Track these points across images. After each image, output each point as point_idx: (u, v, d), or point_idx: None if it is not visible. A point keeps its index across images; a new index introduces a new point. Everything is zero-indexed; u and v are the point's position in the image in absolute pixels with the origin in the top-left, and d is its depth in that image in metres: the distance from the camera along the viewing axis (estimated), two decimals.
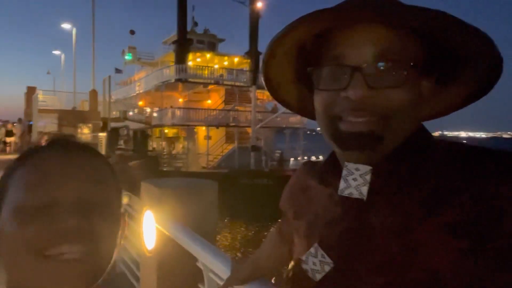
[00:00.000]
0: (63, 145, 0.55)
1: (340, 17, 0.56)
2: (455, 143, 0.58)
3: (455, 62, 0.58)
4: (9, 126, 17.46)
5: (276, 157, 21.47)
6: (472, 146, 0.56)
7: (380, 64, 0.54)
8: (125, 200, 3.01)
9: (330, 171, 0.65)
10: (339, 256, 0.58)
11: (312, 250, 0.61)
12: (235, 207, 14.55)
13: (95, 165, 0.55)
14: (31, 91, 22.19)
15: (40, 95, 22.54)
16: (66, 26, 34.16)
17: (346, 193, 0.58)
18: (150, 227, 2.32)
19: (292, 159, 22.15)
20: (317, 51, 0.61)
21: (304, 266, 0.62)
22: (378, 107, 0.54)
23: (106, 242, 0.52)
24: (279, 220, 0.90)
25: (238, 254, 11.07)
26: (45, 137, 0.56)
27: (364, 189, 0.57)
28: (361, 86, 0.54)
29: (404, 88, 0.54)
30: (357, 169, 0.58)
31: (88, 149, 0.57)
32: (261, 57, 0.65)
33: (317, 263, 0.60)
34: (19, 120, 18.48)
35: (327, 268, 0.59)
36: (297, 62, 0.65)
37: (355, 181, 0.58)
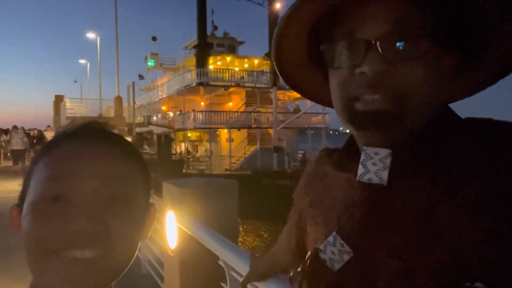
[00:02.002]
0: (87, 134, 0.52)
1: None
2: (487, 121, 0.53)
3: (480, 36, 0.55)
4: (35, 132, 18.15)
5: (298, 157, 21.34)
6: (503, 123, 0.52)
7: (397, 37, 0.51)
8: None
9: (348, 156, 0.63)
10: (358, 244, 0.56)
11: (330, 239, 0.59)
12: (258, 209, 14.54)
13: (119, 157, 0.51)
14: (59, 99, 22.99)
15: (68, 103, 23.32)
16: (90, 35, 35.27)
17: (365, 178, 0.55)
18: (172, 227, 2.35)
19: None
20: (330, 30, 0.57)
21: (322, 256, 0.60)
22: (395, 83, 0.51)
23: (124, 241, 0.48)
24: (289, 214, 0.87)
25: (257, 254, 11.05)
26: (74, 123, 0.54)
27: (384, 174, 0.54)
28: (376, 60, 0.51)
29: (423, 62, 0.51)
30: (376, 153, 0.55)
31: (115, 138, 0.54)
32: (272, 42, 0.62)
33: (336, 252, 0.58)
34: (48, 127, 19.18)
35: (346, 257, 0.56)
36: (309, 43, 0.62)
37: (375, 165, 0.55)
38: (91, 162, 0.49)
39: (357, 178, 0.56)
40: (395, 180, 0.54)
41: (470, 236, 0.46)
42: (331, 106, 0.61)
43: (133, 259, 0.51)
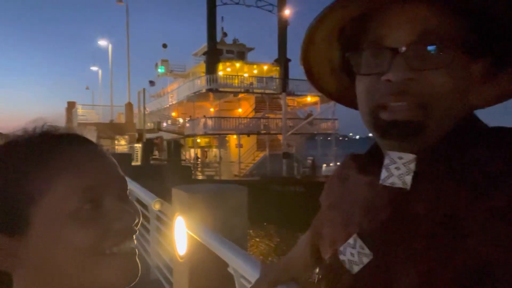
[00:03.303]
0: (82, 138, 0.53)
1: (379, 1, 0.53)
2: None
3: (509, 42, 0.54)
4: None
5: (308, 163, 21.25)
6: None
7: (423, 44, 0.51)
8: (157, 206, 3.06)
9: (371, 160, 0.63)
10: (378, 247, 0.55)
11: (350, 240, 0.59)
12: (267, 214, 14.50)
13: (107, 155, 0.53)
14: (71, 105, 23.36)
15: (80, 109, 23.69)
16: (102, 43, 35.87)
17: (388, 182, 0.55)
18: (181, 233, 2.34)
19: (324, 165, 21.84)
20: (356, 36, 0.58)
21: (341, 257, 0.59)
22: (420, 91, 0.51)
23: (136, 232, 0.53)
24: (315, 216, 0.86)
25: (269, 260, 11.00)
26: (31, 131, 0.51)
27: (408, 178, 0.53)
28: (402, 68, 0.51)
29: (450, 71, 0.51)
30: (400, 158, 0.55)
31: (90, 140, 0.54)
32: (300, 47, 0.63)
33: (355, 254, 0.57)
34: None
35: (365, 260, 0.56)
36: (336, 49, 0.63)
37: (398, 170, 0.54)
38: (110, 163, 0.52)
39: (380, 182, 0.56)
40: (418, 184, 0.53)
41: (495, 241, 0.45)
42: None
43: None
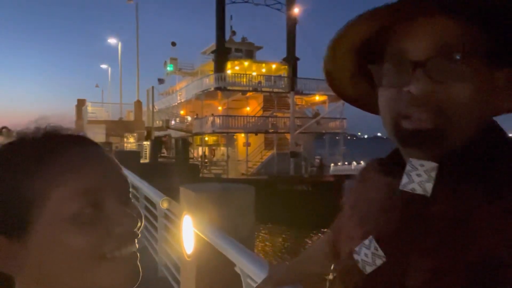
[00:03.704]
0: (81, 139, 0.52)
1: (399, 14, 0.54)
2: None
3: None
4: None
5: (316, 163, 21.19)
6: None
7: (443, 57, 0.52)
8: (165, 205, 3.08)
9: (392, 162, 0.65)
10: (392, 250, 0.57)
11: (366, 241, 0.60)
12: (274, 214, 14.49)
13: (110, 156, 0.53)
14: (81, 103, 23.61)
15: (89, 107, 23.91)
16: (112, 41, 36.14)
17: (408, 188, 0.56)
18: (189, 232, 2.35)
19: (332, 164, 21.75)
20: (378, 46, 0.60)
21: (356, 257, 0.61)
22: (442, 102, 0.52)
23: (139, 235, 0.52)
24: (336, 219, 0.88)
25: (275, 261, 10.99)
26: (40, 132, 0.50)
27: (429, 186, 0.54)
28: (423, 80, 0.52)
29: (471, 81, 0.52)
30: (421, 165, 0.56)
31: (93, 141, 0.54)
32: (323, 59, 0.65)
33: (369, 255, 0.59)
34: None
35: (378, 262, 0.57)
36: (358, 59, 0.65)
37: (419, 176, 0.55)
38: (112, 165, 0.51)
39: (400, 187, 0.57)
40: (438, 192, 0.54)
41: (506, 241, 0.47)
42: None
43: None
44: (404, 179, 0.57)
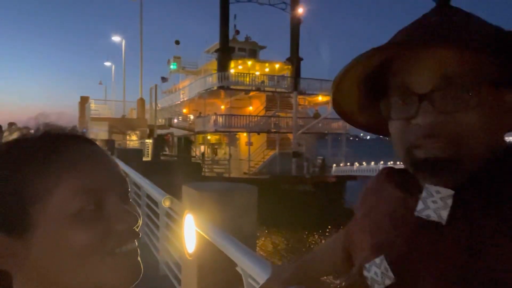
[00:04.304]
0: (83, 138, 0.52)
1: (401, 47, 0.55)
2: None
3: None
4: None
5: (318, 163, 21.17)
6: None
7: (448, 87, 0.52)
8: (167, 203, 3.08)
9: (407, 176, 0.64)
10: (403, 274, 0.57)
11: (377, 260, 0.60)
12: (276, 213, 14.49)
13: (109, 155, 0.53)
14: (84, 100, 23.66)
15: (92, 104, 23.96)
16: (116, 38, 36.22)
17: (424, 214, 0.56)
18: (190, 231, 2.35)
19: (334, 165, 21.73)
20: (383, 79, 0.61)
21: (365, 273, 0.61)
22: (452, 132, 0.53)
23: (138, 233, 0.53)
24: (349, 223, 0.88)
25: (279, 261, 10.99)
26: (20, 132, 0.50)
27: (444, 213, 0.54)
28: (430, 113, 0.53)
29: (480, 109, 0.52)
30: (437, 192, 0.55)
31: (92, 140, 0.54)
32: (329, 95, 0.68)
33: (379, 274, 0.59)
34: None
35: (387, 282, 0.57)
36: (364, 91, 0.66)
37: (435, 203, 0.55)
38: (113, 163, 0.52)
39: (416, 214, 0.57)
40: (453, 219, 0.54)
41: None
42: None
43: None
44: (420, 205, 0.57)
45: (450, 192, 0.54)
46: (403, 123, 0.57)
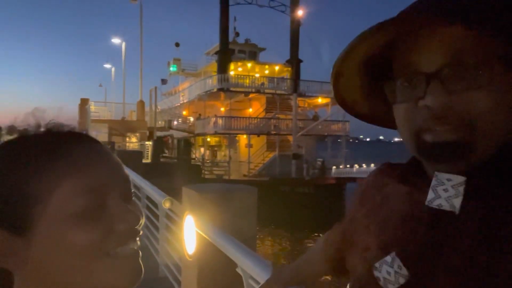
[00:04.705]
0: (87, 137, 0.52)
1: (406, 25, 0.52)
2: None
3: None
4: None
5: (317, 165, 21.16)
6: None
7: (458, 65, 0.49)
8: (167, 204, 3.08)
9: (413, 170, 0.61)
10: (418, 270, 0.53)
11: (388, 258, 0.57)
12: (275, 216, 14.48)
13: (113, 155, 0.53)
14: (84, 102, 23.62)
15: (92, 106, 23.96)
16: (116, 40, 36.25)
17: (435, 204, 0.53)
18: (190, 232, 2.35)
19: (334, 167, 21.72)
20: (386, 63, 0.58)
21: (376, 274, 0.57)
22: (462, 113, 0.49)
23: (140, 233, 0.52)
24: (335, 225, 0.85)
25: (279, 262, 10.98)
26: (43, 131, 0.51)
27: (457, 201, 0.51)
28: (439, 92, 0.50)
29: (491, 88, 0.49)
30: (449, 180, 0.52)
31: (96, 140, 0.54)
32: (330, 78, 0.64)
33: (392, 273, 0.55)
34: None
35: (402, 281, 0.54)
36: (367, 76, 0.62)
37: (446, 192, 0.52)
38: (116, 164, 0.51)
39: (426, 203, 0.54)
40: (466, 207, 0.51)
41: None
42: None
43: None
44: (430, 194, 0.54)
45: (462, 178, 0.51)
46: (410, 106, 0.54)
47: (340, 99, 0.65)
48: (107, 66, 48.69)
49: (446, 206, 0.52)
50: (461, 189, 0.51)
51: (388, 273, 0.56)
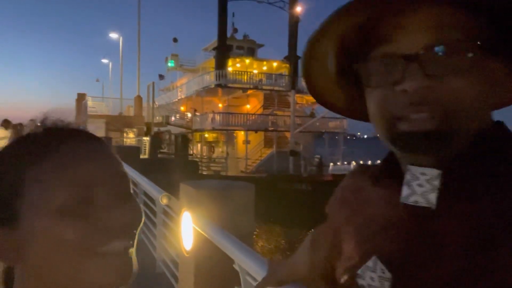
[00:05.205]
0: (83, 133, 0.52)
1: (386, 4, 0.49)
2: None
3: None
4: None
5: (315, 162, 21.19)
6: None
7: (438, 48, 0.47)
8: (165, 201, 3.08)
9: (387, 172, 0.58)
10: (401, 271, 0.51)
11: (370, 263, 0.54)
12: (272, 212, 14.51)
13: (112, 154, 0.53)
14: (81, 97, 23.54)
15: (89, 102, 23.84)
16: (113, 35, 36.06)
17: (410, 200, 0.50)
18: (188, 228, 2.35)
19: (331, 164, 21.76)
20: (363, 45, 0.54)
21: (360, 282, 0.55)
22: (441, 99, 0.47)
23: (136, 234, 0.51)
24: (319, 225, 0.84)
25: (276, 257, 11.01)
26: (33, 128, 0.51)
27: (432, 197, 0.49)
28: (418, 76, 0.47)
29: (470, 73, 0.47)
30: (423, 174, 0.50)
31: (96, 137, 0.54)
32: (300, 61, 0.61)
33: (376, 278, 0.53)
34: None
35: (387, 285, 0.51)
36: (340, 61, 0.59)
37: (421, 187, 0.50)
38: (106, 161, 0.50)
39: (401, 200, 0.51)
40: (444, 203, 0.49)
41: None
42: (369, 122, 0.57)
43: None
44: (405, 191, 0.51)
45: (437, 172, 0.49)
46: (385, 91, 0.50)
47: (310, 85, 0.62)
48: (105, 61, 48.52)
49: (422, 203, 0.50)
50: (436, 183, 0.49)
51: (372, 279, 0.53)
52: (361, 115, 0.61)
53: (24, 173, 0.47)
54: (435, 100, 0.47)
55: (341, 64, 0.59)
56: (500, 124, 0.52)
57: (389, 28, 0.50)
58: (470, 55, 0.47)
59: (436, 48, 0.47)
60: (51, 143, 0.49)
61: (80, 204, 0.46)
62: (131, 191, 0.53)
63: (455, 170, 0.49)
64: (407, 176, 0.51)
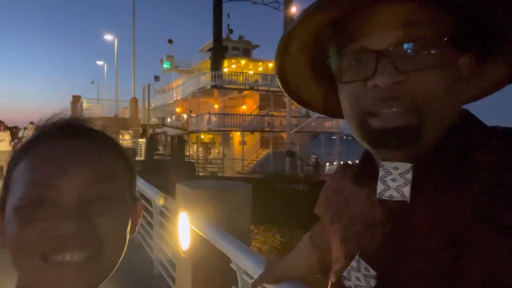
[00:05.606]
0: (68, 132, 0.50)
1: (359, 1, 0.49)
2: None
3: (496, 32, 0.50)
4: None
5: (311, 162, 21.22)
6: None
7: (409, 44, 0.47)
8: (161, 201, 3.07)
9: (365, 171, 0.59)
10: (383, 267, 0.51)
11: (353, 264, 0.54)
12: (269, 213, 14.50)
13: (101, 154, 0.50)
14: (76, 99, 23.41)
15: (85, 104, 23.75)
16: (108, 37, 35.92)
17: (385, 196, 0.51)
18: (184, 228, 2.35)
19: (328, 164, 21.80)
20: (335, 41, 0.54)
21: (347, 283, 0.55)
22: (412, 94, 0.47)
23: (113, 239, 0.47)
24: (314, 225, 0.85)
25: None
26: (53, 120, 0.52)
27: (406, 190, 0.50)
28: (389, 71, 0.47)
29: (440, 68, 0.47)
30: (395, 168, 0.51)
31: (96, 135, 0.52)
32: (274, 59, 0.60)
33: (361, 277, 0.53)
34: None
35: (373, 283, 0.52)
36: (314, 57, 0.59)
37: (395, 181, 0.50)
38: (74, 163, 0.47)
39: (377, 196, 0.52)
40: (418, 196, 0.50)
41: (507, 261, 0.42)
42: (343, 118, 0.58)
43: (122, 257, 0.50)
44: (380, 186, 0.51)
45: (408, 165, 0.50)
46: (357, 86, 0.51)
47: (283, 81, 0.62)
48: (100, 63, 48.25)
49: (397, 197, 0.50)
50: (409, 176, 0.50)
51: (358, 278, 0.53)
52: (337, 112, 0.61)
53: (12, 171, 0.49)
54: (405, 96, 0.47)
55: (315, 60, 0.59)
56: (469, 115, 0.53)
57: (361, 24, 0.50)
58: (439, 50, 0.48)
59: (407, 44, 0.48)
60: (34, 143, 0.50)
61: (35, 207, 0.44)
62: (119, 195, 0.50)
63: (427, 163, 0.49)
64: (381, 172, 0.52)
